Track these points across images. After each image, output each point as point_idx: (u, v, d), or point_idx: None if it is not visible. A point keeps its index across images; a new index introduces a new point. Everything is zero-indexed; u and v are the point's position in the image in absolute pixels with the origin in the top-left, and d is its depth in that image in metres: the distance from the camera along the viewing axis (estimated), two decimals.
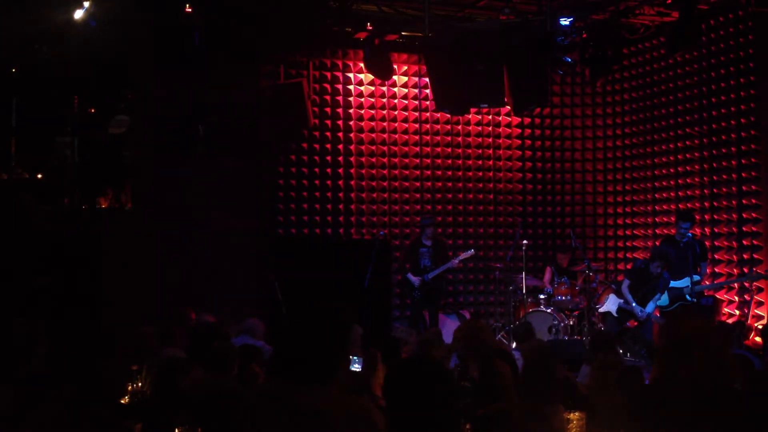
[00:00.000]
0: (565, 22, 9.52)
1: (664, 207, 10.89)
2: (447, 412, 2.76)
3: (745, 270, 9.64)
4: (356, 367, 5.24)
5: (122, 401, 4.63)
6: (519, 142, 11.99)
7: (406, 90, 11.49)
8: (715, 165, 10.18)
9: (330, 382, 2.71)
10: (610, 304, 9.47)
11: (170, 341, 5.97)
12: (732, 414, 2.83)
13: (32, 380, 3.69)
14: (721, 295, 9.94)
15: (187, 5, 8.50)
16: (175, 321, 7.02)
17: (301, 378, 2.67)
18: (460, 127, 11.73)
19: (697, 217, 10.37)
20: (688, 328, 3.01)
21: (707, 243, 10.19)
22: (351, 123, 11.17)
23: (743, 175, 9.77)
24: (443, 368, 4.46)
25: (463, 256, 10.24)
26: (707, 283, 9.61)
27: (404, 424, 2.71)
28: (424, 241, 10.20)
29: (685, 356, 2.92)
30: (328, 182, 11.03)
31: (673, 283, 8.99)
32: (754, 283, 9.47)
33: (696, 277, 8.88)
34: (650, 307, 9.08)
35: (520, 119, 11.91)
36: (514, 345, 9.57)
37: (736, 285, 9.75)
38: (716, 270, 10.05)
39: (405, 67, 11.43)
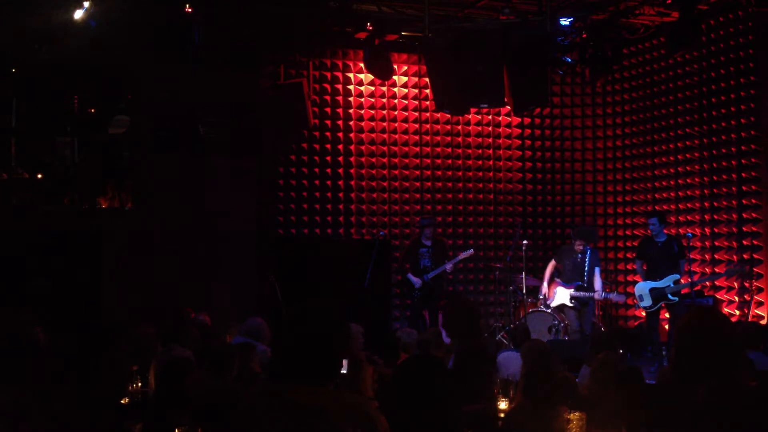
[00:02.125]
0: (565, 22, 9.52)
1: (664, 207, 10.88)
2: (450, 411, 2.76)
3: (746, 268, 9.64)
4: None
5: (122, 401, 4.63)
6: (519, 142, 11.99)
7: (406, 90, 11.49)
8: (715, 165, 10.18)
9: (330, 382, 2.71)
10: (562, 297, 9.65)
11: (178, 340, 5.94)
12: (748, 413, 2.82)
13: (32, 380, 3.69)
14: (721, 295, 9.94)
15: (187, 5, 8.50)
16: (177, 321, 7.02)
17: (302, 378, 2.67)
18: (460, 127, 11.73)
19: (697, 217, 10.38)
20: (709, 325, 2.99)
21: (707, 243, 10.20)
22: (351, 123, 11.17)
23: (743, 175, 9.77)
24: (446, 368, 4.46)
25: (462, 256, 10.23)
26: (687, 281, 9.58)
27: (408, 424, 2.71)
28: (424, 241, 10.19)
29: (706, 353, 2.90)
30: (328, 182, 11.03)
31: (654, 283, 9.03)
32: (755, 283, 9.47)
33: (677, 276, 8.91)
34: (597, 283, 9.55)
35: (520, 119, 11.91)
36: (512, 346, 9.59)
37: (736, 285, 9.76)
38: (716, 270, 10.05)
39: (405, 67, 11.43)
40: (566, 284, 9.71)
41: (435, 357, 5.05)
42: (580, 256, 9.66)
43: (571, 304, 9.65)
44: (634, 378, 4.49)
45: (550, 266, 9.91)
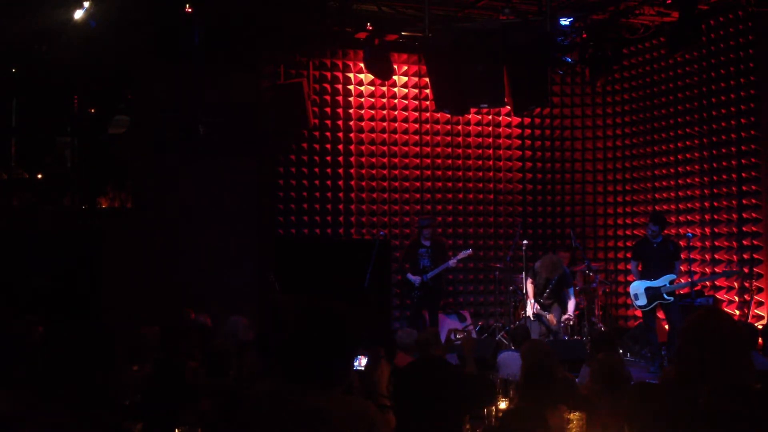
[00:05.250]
0: (565, 22, 9.52)
1: (664, 207, 10.89)
2: (456, 411, 2.77)
3: (745, 270, 9.65)
4: (359, 366, 5.25)
5: (122, 401, 4.63)
6: (519, 142, 11.99)
7: (406, 90, 11.49)
8: (715, 165, 10.18)
9: (338, 386, 2.70)
10: (529, 310, 9.88)
11: (177, 341, 5.94)
12: (751, 415, 2.82)
13: (32, 381, 3.69)
14: (721, 295, 9.95)
15: (187, 5, 8.50)
16: (177, 321, 7.02)
17: (308, 380, 2.66)
18: (460, 127, 11.73)
19: (697, 217, 10.38)
20: (713, 325, 2.99)
21: (707, 243, 10.20)
22: (351, 123, 11.17)
23: (743, 175, 9.77)
24: (455, 369, 4.45)
25: (461, 255, 10.23)
26: (682, 281, 9.58)
27: (415, 423, 2.72)
28: (423, 241, 10.20)
29: (709, 353, 2.90)
30: (328, 182, 11.04)
31: (649, 283, 9.03)
32: (755, 283, 9.48)
33: (673, 276, 8.92)
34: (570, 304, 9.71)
35: (520, 119, 11.91)
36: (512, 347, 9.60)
37: (736, 285, 9.76)
38: (716, 270, 10.05)
39: (405, 67, 11.43)
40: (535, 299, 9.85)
41: (440, 358, 5.09)
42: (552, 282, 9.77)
43: (532, 319, 9.73)
44: (628, 378, 4.49)
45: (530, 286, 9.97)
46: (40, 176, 10.06)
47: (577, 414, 3.65)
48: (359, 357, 5.32)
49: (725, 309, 9.77)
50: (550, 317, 9.64)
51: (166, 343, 5.95)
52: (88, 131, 10.00)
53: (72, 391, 2.93)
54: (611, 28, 10.20)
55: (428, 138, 11.56)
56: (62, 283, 8.84)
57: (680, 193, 10.72)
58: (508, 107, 10.65)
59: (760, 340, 8.35)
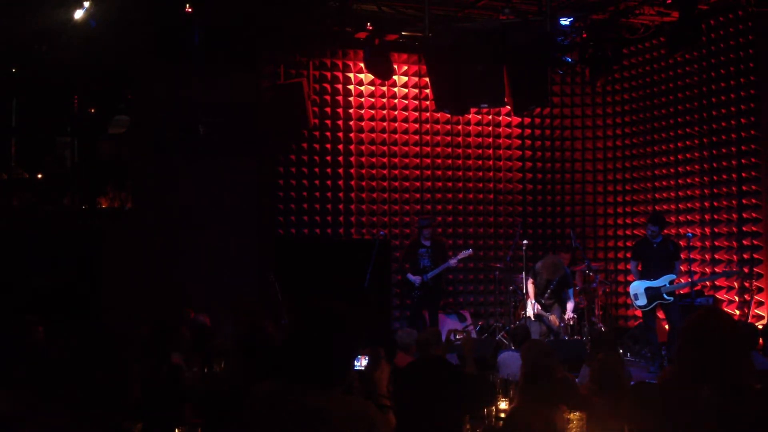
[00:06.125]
0: (565, 22, 9.52)
1: (664, 207, 10.89)
2: (456, 411, 2.77)
3: (746, 270, 9.65)
4: (359, 366, 5.25)
5: (122, 401, 4.63)
6: (519, 142, 11.99)
7: (406, 90, 11.49)
8: (715, 165, 10.18)
9: (339, 385, 2.71)
10: (530, 311, 9.85)
11: (173, 341, 5.93)
12: (751, 415, 2.82)
13: (32, 381, 3.69)
14: (721, 295, 9.95)
15: (187, 5, 8.50)
16: (174, 322, 7.00)
17: (308, 380, 2.67)
18: (460, 127, 11.73)
19: (697, 217, 10.38)
20: (712, 325, 2.99)
21: (707, 243, 10.20)
22: (351, 123, 11.17)
23: (743, 175, 9.77)
24: (455, 369, 4.45)
25: (461, 255, 10.23)
26: (682, 281, 9.58)
27: (415, 423, 2.71)
28: (423, 241, 10.20)
29: (709, 354, 2.90)
30: (328, 182, 11.04)
31: (649, 283, 9.03)
32: (755, 283, 9.48)
33: (673, 276, 8.93)
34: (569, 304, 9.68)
35: (520, 119, 11.91)
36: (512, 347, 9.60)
37: (736, 285, 9.76)
38: (716, 270, 10.05)
39: (405, 67, 11.43)
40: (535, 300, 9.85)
41: (440, 358, 5.09)
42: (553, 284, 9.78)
43: (533, 319, 9.71)
44: (628, 378, 4.49)
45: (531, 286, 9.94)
46: (40, 176, 10.06)
47: (577, 414, 3.65)
48: (359, 357, 5.32)
49: (725, 309, 9.77)
50: (553, 318, 9.64)
51: (156, 341, 5.93)
52: (88, 131, 10.01)
53: (72, 391, 2.93)
54: (611, 28, 10.20)
55: (428, 138, 11.56)
56: (62, 283, 8.84)
57: (680, 193, 10.72)
58: (508, 107, 10.64)
59: (760, 340, 8.37)
